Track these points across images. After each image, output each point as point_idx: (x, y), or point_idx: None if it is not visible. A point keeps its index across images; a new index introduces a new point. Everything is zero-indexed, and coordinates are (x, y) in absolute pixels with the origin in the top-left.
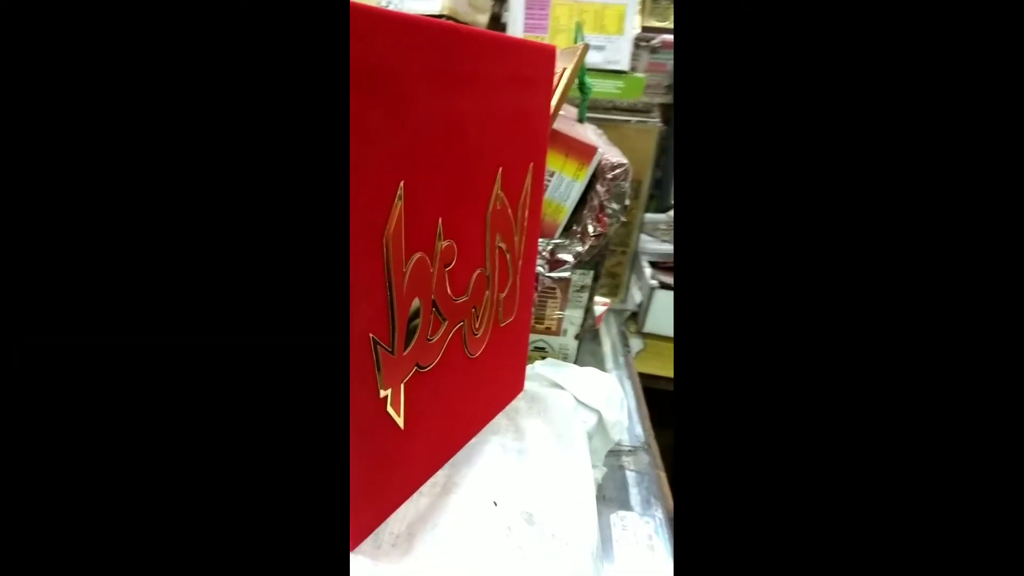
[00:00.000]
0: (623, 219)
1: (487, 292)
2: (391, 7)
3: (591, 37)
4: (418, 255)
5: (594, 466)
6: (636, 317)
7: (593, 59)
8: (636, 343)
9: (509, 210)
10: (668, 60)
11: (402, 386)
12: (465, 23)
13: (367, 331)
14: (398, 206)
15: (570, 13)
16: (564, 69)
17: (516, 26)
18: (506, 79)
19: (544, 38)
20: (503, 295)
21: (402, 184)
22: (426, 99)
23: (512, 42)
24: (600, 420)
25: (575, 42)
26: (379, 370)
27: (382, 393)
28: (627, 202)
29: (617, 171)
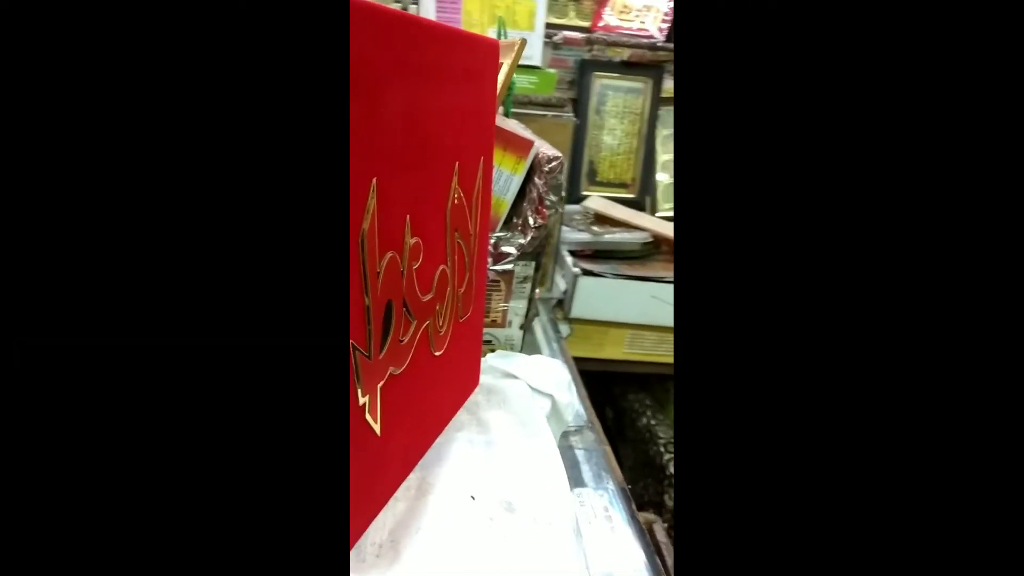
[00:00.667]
0: (561, 210)
1: (448, 288)
2: None
3: (503, 32)
4: (390, 254)
5: None
6: (562, 304)
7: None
8: (564, 328)
9: (466, 205)
10: (570, 56)
11: (379, 391)
12: None
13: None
14: (371, 204)
15: (482, 8)
16: (502, 64)
17: (428, 13)
18: (461, 72)
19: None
20: (462, 290)
21: (375, 181)
22: (395, 92)
23: (464, 35)
24: (554, 404)
25: (500, 38)
26: (358, 377)
27: (361, 400)
28: (563, 193)
29: (553, 164)
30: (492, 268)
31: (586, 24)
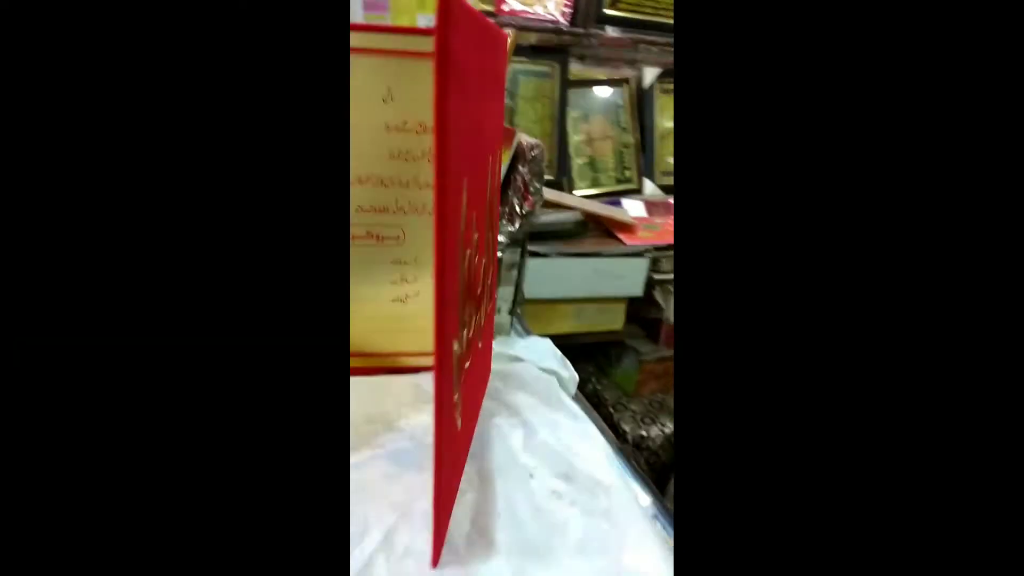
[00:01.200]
0: (544, 196)
1: (487, 280)
2: None
3: (432, 17)
4: (468, 251)
5: None
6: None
7: None
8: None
9: (494, 198)
10: None
11: (461, 382)
12: None
13: (451, 339)
14: (464, 204)
15: None
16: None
17: (355, 3)
18: (498, 70)
19: (384, 17)
20: (489, 282)
21: (465, 181)
22: (473, 94)
23: (495, 29)
24: (559, 378)
25: None
26: (457, 376)
27: (455, 397)
28: (546, 178)
29: (535, 151)
30: None
31: (490, 9)
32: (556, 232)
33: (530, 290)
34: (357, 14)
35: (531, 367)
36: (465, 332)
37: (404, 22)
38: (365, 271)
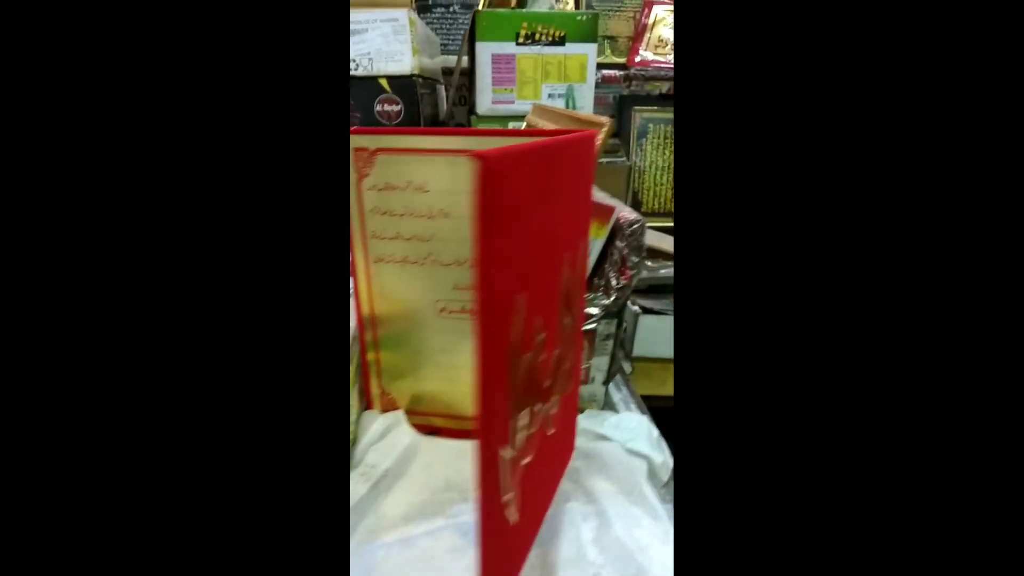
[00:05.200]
0: (644, 270)
1: (561, 368)
2: (360, 71)
3: (556, 86)
4: (528, 356)
5: None
6: (624, 344)
7: (559, 106)
8: (626, 366)
9: (574, 288)
10: (608, 93)
11: (518, 482)
12: (428, 75)
13: (497, 445)
14: (519, 319)
15: (535, 65)
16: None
17: (485, 80)
18: (576, 175)
19: (512, 89)
20: (569, 366)
21: (523, 297)
22: (535, 216)
23: (578, 139)
24: (650, 464)
25: (568, 107)
26: (506, 478)
27: (505, 497)
28: (644, 253)
29: (635, 226)
30: None
31: (622, 61)
32: (671, 287)
33: (641, 348)
34: (487, 87)
35: (618, 449)
36: (523, 432)
37: (529, 93)
38: (462, 342)
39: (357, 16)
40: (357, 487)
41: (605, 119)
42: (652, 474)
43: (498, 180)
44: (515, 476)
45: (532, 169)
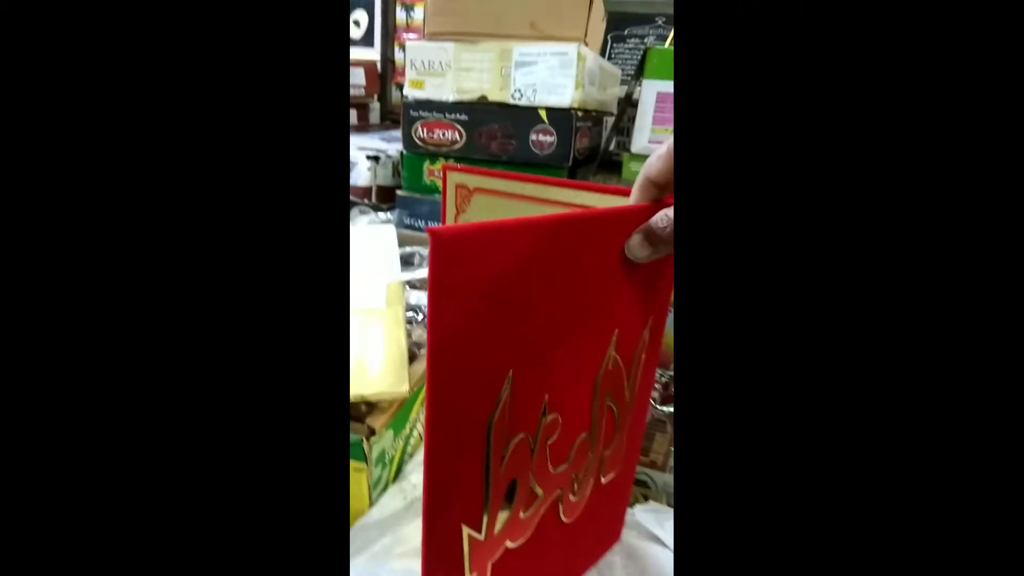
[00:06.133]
0: None
1: (590, 454)
2: (523, 101)
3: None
4: (520, 436)
5: None
6: None
7: None
8: None
9: (623, 369)
10: None
11: (489, 567)
12: (592, 108)
13: (459, 522)
14: (505, 393)
15: None
16: None
17: (645, 118)
18: (618, 248)
19: (671, 130)
20: (607, 452)
21: (511, 372)
22: (540, 293)
23: (621, 213)
24: None
25: None
26: (467, 556)
27: None
28: None
29: None
30: (660, 407)
31: None
32: None
33: None
34: (647, 126)
35: (668, 558)
36: (514, 514)
37: None
38: None
39: (528, 49)
40: (393, 501)
41: None
42: None
43: (449, 256)
44: (482, 555)
45: (539, 246)
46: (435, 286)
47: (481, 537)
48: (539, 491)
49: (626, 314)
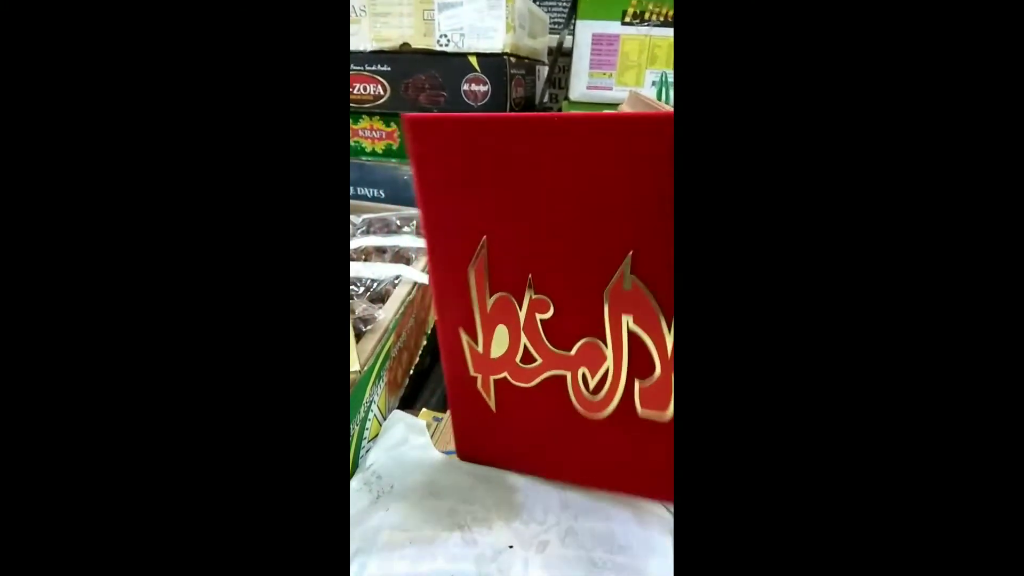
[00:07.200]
0: None
1: (606, 366)
2: (451, 47)
3: (662, 73)
4: (500, 294)
5: None
6: None
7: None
8: None
9: (649, 298)
10: None
11: (491, 379)
12: (524, 55)
13: (457, 324)
14: (482, 253)
15: (641, 48)
16: None
17: (582, 62)
18: (632, 159)
19: (611, 74)
20: (644, 383)
21: (484, 238)
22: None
23: (631, 120)
24: None
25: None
26: (468, 356)
27: (471, 373)
28: None
29: None
30: None
31: None
32: None
33: None
34: (584, 69)
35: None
36: (506, 353)
37: (630, 79)
38: None
39: None
40: (361, 500)
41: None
42: None
43: (422, 135)
44: (484, 366)
45: (508, 137)
46: (415, 158)
47: (479, 349)
48: (537, 357)
49: (642, 235)
